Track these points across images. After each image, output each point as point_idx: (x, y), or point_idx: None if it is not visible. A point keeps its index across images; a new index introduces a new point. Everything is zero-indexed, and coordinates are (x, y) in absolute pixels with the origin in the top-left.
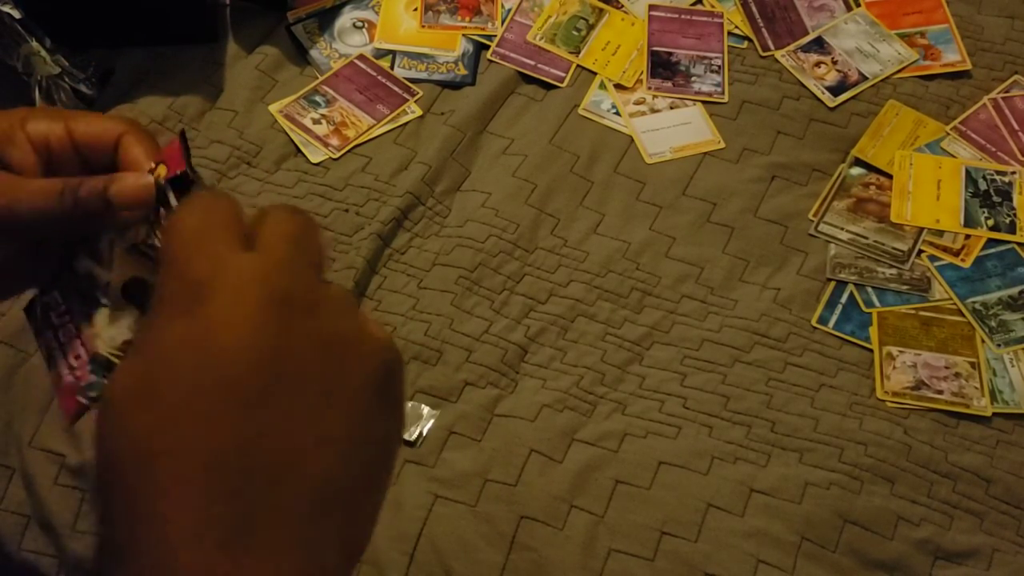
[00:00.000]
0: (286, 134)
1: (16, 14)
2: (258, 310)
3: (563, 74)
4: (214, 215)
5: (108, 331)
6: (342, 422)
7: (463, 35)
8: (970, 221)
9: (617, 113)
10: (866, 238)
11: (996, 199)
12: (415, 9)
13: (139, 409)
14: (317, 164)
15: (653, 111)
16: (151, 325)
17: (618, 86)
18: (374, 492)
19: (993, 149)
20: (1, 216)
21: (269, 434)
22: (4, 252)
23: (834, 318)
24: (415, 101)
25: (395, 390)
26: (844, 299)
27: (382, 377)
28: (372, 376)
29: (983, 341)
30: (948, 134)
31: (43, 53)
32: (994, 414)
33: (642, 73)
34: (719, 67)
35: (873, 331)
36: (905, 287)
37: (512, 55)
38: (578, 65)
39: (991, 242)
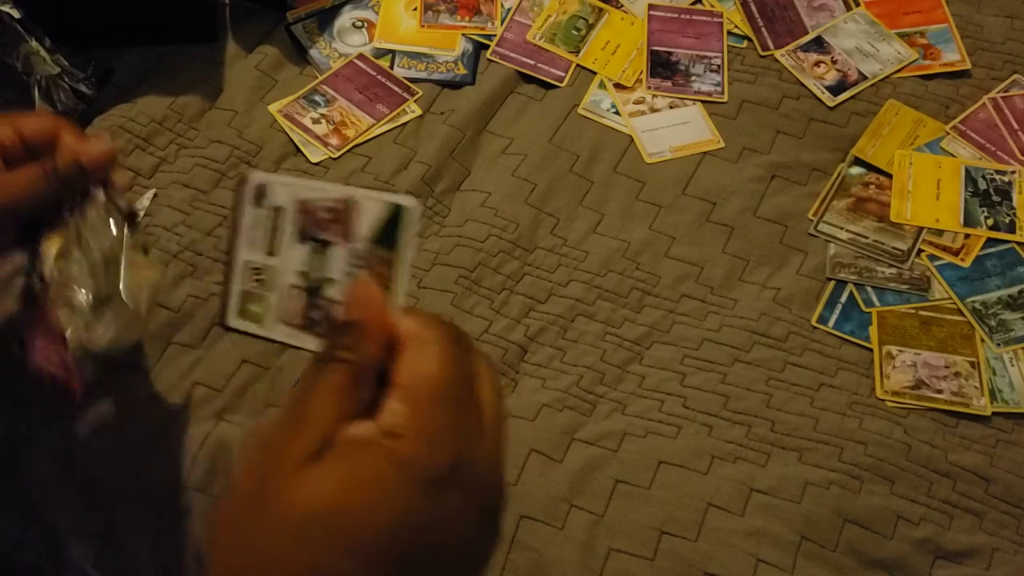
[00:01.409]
0: (286, 134)
1: (15, 14)
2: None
3: (563, 74)
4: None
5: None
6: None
7: (463, 35)
8: (970, 220)
9: (617, 112)
10: (866, 237)
11: (996, 198)
12: (415, 9)
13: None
14: (317, 163)
15: (653, 110)
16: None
17: (618, 85)
18: None
19: (993, 148)
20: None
21: None
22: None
23: (834, 317)
24: (415, 100)
25: (499, 525)
26: (844, 298)
27: (496, 521)
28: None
29: (983, 340)
30: (948, 133)
31: (43, 53)
32: (994, 413)
33: (642, 72)
34: (719, 66)
35: (873, 330)
36: (905, 286)
37: (512, 55)
38: (578, 65)
39: (991, 241)
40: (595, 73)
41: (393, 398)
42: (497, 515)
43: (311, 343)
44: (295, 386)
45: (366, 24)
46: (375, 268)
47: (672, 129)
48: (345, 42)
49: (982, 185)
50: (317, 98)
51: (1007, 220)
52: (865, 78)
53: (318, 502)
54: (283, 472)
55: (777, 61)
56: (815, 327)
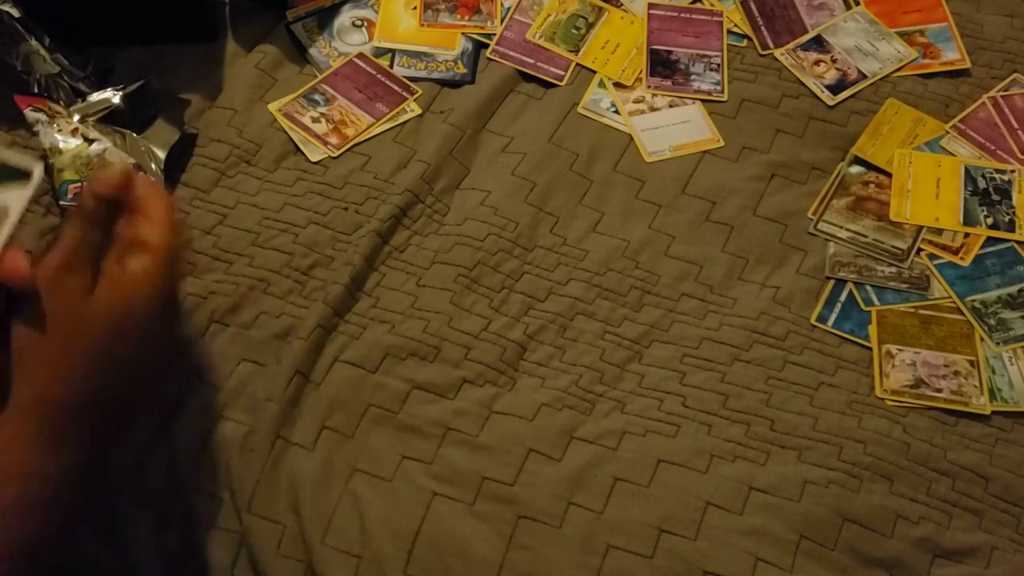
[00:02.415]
0: (285, 133)
1: (15, 13)
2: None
3: (562, 72)
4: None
5: None
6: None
7: (462, 33)
8: (969, 219)
9: (616, 111)
10: (865, 236)
11: (995, 197)
12: (414, 8)
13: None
14: (316, 162)
15: (652, 109)
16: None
17: (617, 84)
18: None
19: (992, 147)
20: None
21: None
22: None
23: (833, 316)
24: (414, 99)
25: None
26: (843, 297)
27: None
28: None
29: (982, 339)
30: (947, 132)
31: (42, 52)
32: (993, 412)
33: (641, 72)
34: (718, 65)
35: (872, 329)
36: (904, 285)
37: (511, 53)
38: (577, 63)
39: (990, 240)
40: (595, 72)
41: (144, 254)
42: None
43: None
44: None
45: (366, 23)
46: None
47: (672, 128)
48: (345, 41)
49: (982, 184)
50: (317, 97)
51: (1007, 219)
52: (865, 77)
53: (108, 312)
54: (75, 301)
55: (777, 60)
56: (814, 326)
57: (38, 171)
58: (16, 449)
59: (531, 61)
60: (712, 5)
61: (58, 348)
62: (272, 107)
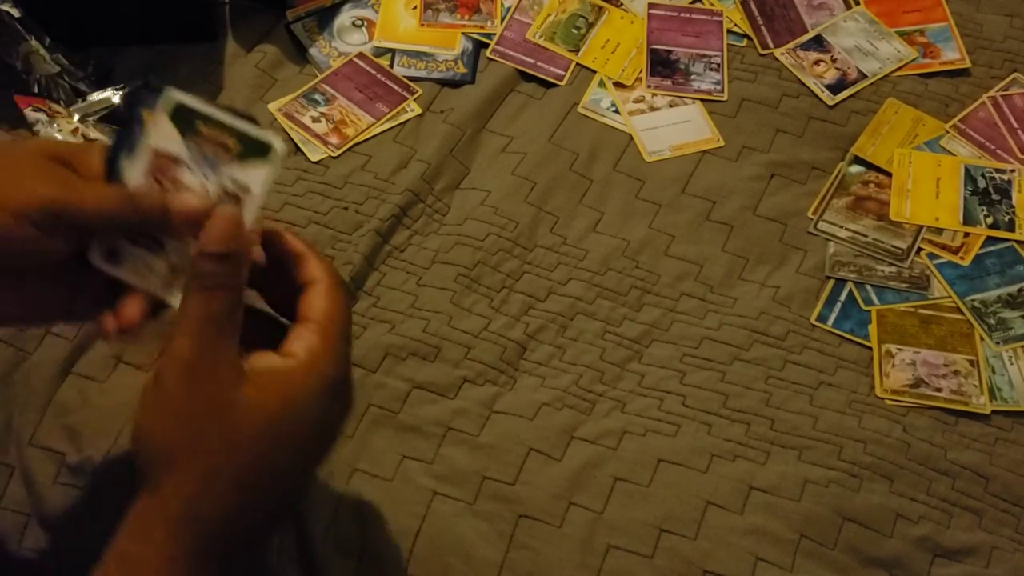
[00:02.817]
0: (285, 132)
1: (15, 12)
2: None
3: (562, 72)
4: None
5: None
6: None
7: (462, 33)
8: (969, 219)
9: (616, 111)
10: (865, 236)
11: (995, 197)
12: (414, 7)
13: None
14: (316, 162)
15: (652, 109)
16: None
17: (617, 84)
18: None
19: (992, 147)
20: (68, 206)
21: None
22: (61, 246)
23: (833, 316)
24: (414, 99)
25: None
26: (843, 297)
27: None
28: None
29: (982, 339)
30: (947, 132)
31: (42, 52)
32: (993, 412)
33: (641, 71)
34: (718, 65)
35: (872, 329)
36: (904, 285)
37: (511, 53)
38: (577, 63)
39: (990, 240)
40: (595, 72)
41: (310, 331)
42: (353, 402)
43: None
44: (173, 318)
45: (366, 23)
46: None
47: (672, 128)
48: (345, 41)
49: (981, 183)
50: (317, 97)
51: (1006, 218)
52: (865, 76)
53: (266, 417)
54: (222, 392)
55: (777, 60)
56: (814, 325)
57: (279, 146)
58: (158, 568)
59: (531, 61)
60: (712, 5)
61: (206, 459)
62: (272, 107)
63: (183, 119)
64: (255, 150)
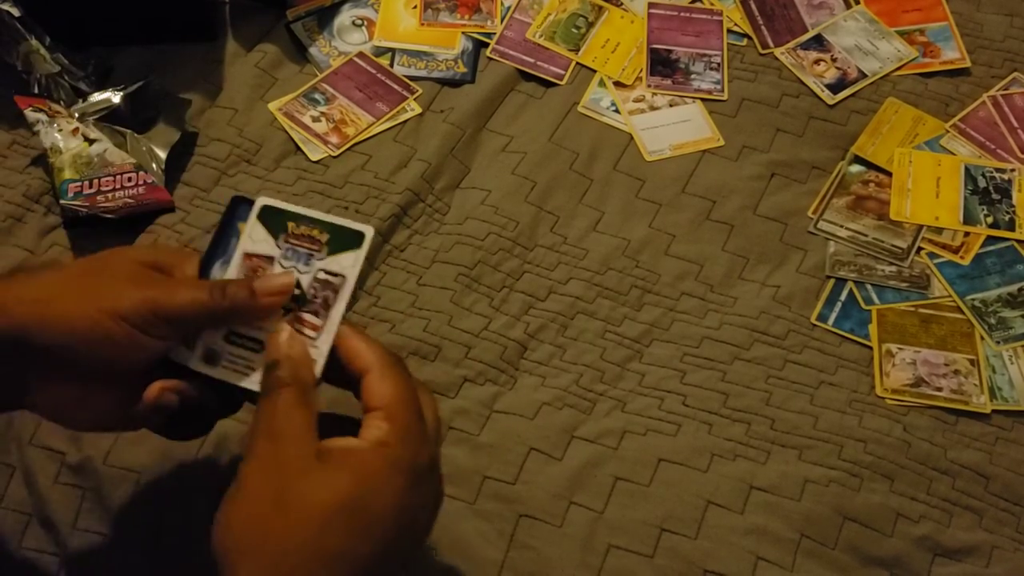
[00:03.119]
0: (285, 132)
1: (15, 12)
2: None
3: (562, 72)
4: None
5: None
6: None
7: (462, 33)
8: (969, 218)
9: (616, 111)
10: (865, 235)
11: (995, 196)
12: (414, 7)
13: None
14: (316, 162)
15: (652, 109)
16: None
17: (617, 84)
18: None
19: (992, 146)
20: (162, 301)
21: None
22: (158, 345)
23: (833, 315)
24: (414, 99)
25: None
26: (843, 296)
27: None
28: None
29: (982, 338)
30: (947, 131)
31: (42, 51)
32: (993, 411)
33: (641, 71)
34: (718, 64)
35: (872, 328)
36: (904, 284)
37: (511, 53)
38: (577, 63)
39: (990, 239)
40: (595, 71)
41: (376, 417)
42: (442, 494)
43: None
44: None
45: (366, 22)
46: (321, 293)
47: (672, 127)
48: (345, 40)
49: (982, 183)
50: (317, 96)
51: (1007, 218)
52: (865, 76)
53: (335, 498)
54: (291, 478)
55: (777, 59)
56: (815, 325)
57: (369, 234)
58: None
59: (531, 60)
60: (712, 4)
61: (275, 543)
62: (272, 106)
63: (273, 220)
64: (346, 239)
